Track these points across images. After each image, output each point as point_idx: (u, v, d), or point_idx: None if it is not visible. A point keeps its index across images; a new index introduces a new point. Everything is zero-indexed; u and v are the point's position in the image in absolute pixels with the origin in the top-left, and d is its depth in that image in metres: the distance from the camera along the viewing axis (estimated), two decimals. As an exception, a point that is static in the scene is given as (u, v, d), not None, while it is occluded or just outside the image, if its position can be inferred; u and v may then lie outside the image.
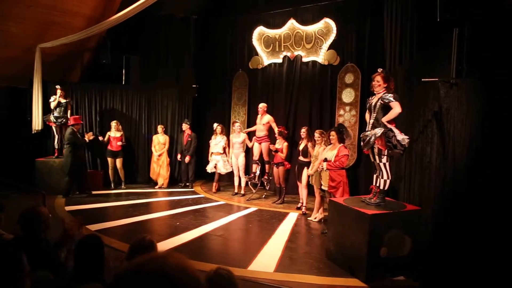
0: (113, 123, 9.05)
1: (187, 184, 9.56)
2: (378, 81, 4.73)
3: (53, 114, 8.58)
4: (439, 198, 4.59)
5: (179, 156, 9.52)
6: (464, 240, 4.19)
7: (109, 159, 9.11)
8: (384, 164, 4.76)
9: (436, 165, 4.87)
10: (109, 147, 9.05)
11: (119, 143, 9.01)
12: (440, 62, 5.01)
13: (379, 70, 4.86)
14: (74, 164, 8.03)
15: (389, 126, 4.56)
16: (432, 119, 5.03)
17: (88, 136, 8.53)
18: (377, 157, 4.79)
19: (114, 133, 9.04)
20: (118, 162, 9.12)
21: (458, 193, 4.30)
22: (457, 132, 4.45)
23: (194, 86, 10.39)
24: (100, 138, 8.96)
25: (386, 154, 4.72)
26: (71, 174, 8.08)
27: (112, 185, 9.19)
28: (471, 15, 4.55)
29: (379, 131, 4.55)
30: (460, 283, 4.08)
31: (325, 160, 6.21)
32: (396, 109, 4.48)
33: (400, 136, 4.48)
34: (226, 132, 9.41)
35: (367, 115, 5.02)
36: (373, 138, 4.58)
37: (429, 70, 5.15)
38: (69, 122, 8.37)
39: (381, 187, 4.82)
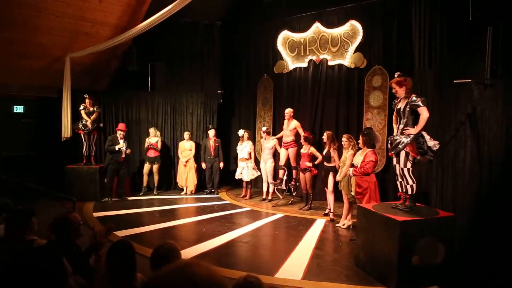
0: (151, 130, 9.25)
1: (213, 190, 9.57)
2: (394, 88, 4.75)
3: (81, 122, 8.77)
4: (475, 204, 4.41)
5: (203, 165, 9.45)
6: (503, 248, 4.00)
7: (146, 164, 9.26)
8: (408, 169, 4.67)
9: (470, 170, 4.69)
10: (147, 153, 9.20)
11: (156, 143, 9.17)
12: (472, 63, 4.84)
13: (396, 75, 4.77)
14: (107, 168, 8.53)
15: (419, 131, 4.46)
16: (465, 122, 4.86)
17: (120, 147, 8.54)
18: (402, 162, 4.68)
19: (152, 139, 9.21)
20: (155, 168, 9.25)
21: (495, 198, 4.12)
22: (493, 134, 4.28)
23: (219, 92, 10.42)
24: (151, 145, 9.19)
25: (412, 160, 4.61)
26: (103, 177, 8.53)
27: (142, 192, 9.29)
28: (506, 12, 4.37)
29: (409, 138, 4.46)
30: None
31: (353, 165, 6.08)
32: (424, 114, 4.41)
33: (431, 142, 4.39)
34: (252, 137, 9.36)
35: (394, 118, 4.90)
36: (403, 144, 4.51)
37: (461, 71, 4.98)
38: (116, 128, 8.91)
39: (409, 192, 4.72)
